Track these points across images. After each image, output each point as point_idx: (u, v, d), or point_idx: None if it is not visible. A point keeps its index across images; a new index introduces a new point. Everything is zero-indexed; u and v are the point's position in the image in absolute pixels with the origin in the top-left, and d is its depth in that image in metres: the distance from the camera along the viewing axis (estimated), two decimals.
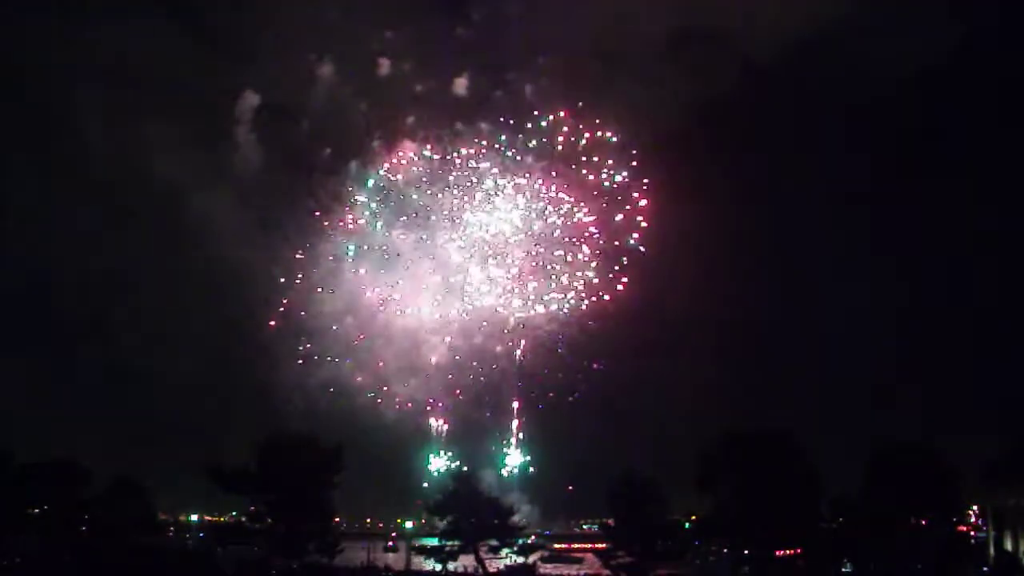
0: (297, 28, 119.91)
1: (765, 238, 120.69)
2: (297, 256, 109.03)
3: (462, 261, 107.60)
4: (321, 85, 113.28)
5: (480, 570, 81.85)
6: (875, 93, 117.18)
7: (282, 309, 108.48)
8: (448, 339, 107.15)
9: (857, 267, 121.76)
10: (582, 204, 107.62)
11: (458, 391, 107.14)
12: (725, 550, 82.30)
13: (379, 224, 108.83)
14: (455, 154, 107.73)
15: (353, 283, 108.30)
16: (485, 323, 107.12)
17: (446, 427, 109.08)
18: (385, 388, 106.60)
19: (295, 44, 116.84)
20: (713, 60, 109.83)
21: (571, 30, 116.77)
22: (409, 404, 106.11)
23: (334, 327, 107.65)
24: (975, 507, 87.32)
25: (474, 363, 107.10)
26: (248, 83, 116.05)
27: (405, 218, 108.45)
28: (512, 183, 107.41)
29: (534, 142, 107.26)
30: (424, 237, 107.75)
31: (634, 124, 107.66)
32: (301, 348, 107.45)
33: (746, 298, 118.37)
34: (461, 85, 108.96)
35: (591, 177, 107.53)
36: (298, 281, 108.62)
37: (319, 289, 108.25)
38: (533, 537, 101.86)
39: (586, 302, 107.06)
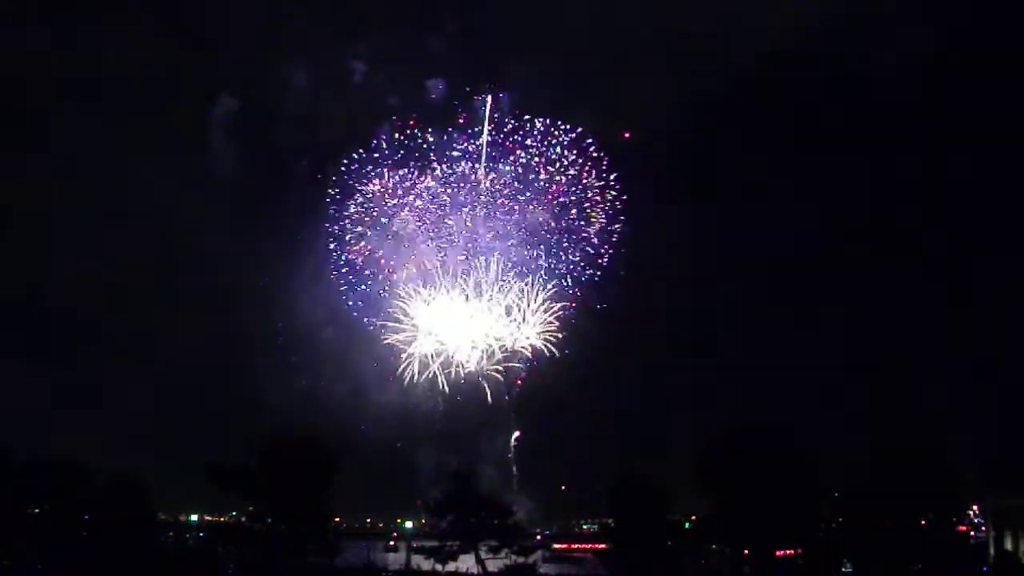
0: (271, 34, 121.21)
1: (761, 237, 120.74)
2: (279, 263, 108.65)
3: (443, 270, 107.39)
4: (296, 92, 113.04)
5: (480, 570, 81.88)
6: (864, 91, 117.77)
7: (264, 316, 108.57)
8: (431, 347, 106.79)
9: (856, 266, 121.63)
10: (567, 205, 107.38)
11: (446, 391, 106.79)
12: (726, 550, 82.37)
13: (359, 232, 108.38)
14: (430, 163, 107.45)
15: (335, 291, 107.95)
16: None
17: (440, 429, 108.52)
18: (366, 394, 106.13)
19: (270, 50, 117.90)
20: (697, 62, 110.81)
21: (552, 34, 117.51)
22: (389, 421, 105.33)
23: (315, 335, 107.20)
24: (975, 507, 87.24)
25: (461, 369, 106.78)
26: (225, 88, 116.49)
27: (383, 227, 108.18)
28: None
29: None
30: (404, 246, 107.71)
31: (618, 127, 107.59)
32: (287, 356, 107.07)
33: (746, 297, 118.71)
34: (435, 93, 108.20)
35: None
36: (279, 289, 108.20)
37: (300, 297, 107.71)
38: (539, 538, 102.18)
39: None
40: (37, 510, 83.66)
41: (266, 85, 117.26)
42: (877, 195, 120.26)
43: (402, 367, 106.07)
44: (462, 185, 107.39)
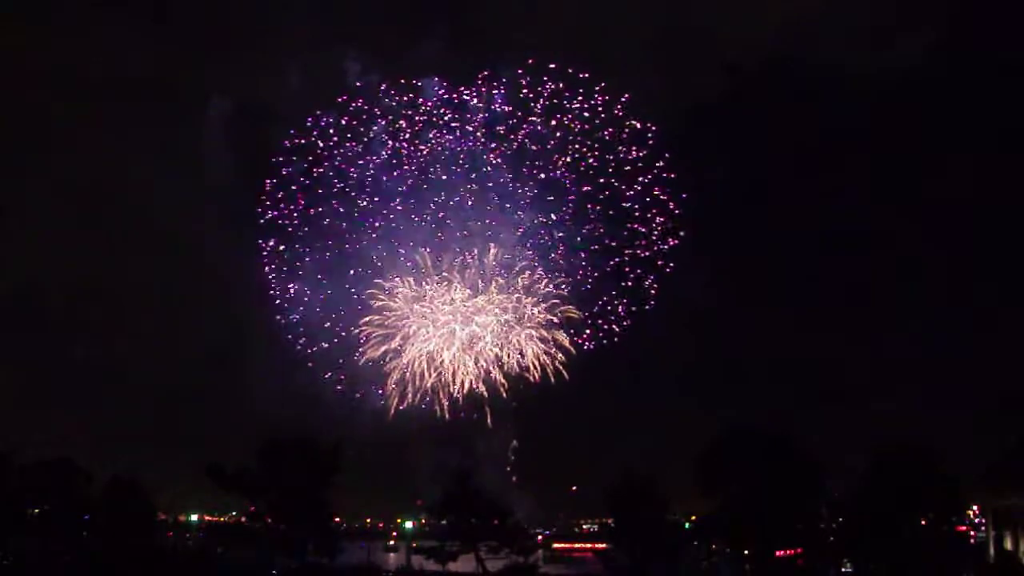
0: (267, 38, 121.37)
1: (760, 237, 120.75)
2: (274, 262, 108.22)
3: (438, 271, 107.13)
4: (292, 93, 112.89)
5: (480, 570, 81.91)
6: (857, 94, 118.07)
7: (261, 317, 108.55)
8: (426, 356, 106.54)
9: (855, 266, 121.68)
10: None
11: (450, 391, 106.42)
12: (727, 550, 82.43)
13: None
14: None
15: (329, 293, 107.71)
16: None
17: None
18: (359, 395, 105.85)
19: (265, 53, 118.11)
20: (695, 62, 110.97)
21: (547, 34, 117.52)
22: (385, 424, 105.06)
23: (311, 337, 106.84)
24: (975, 507, 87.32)
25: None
26: (223, 88, 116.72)
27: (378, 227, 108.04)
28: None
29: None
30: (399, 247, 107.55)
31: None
32: (284, 357, 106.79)
33: (745, 298, 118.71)
34: (431, 95, 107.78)
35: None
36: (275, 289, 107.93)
37: (296, 298, 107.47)
38: (540, 538, 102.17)
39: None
40: (37, 510, 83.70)
41: (263, 86, 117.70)
42: (877, 195, 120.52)
43: (397, 376, 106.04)
44: (461, 183, 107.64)
